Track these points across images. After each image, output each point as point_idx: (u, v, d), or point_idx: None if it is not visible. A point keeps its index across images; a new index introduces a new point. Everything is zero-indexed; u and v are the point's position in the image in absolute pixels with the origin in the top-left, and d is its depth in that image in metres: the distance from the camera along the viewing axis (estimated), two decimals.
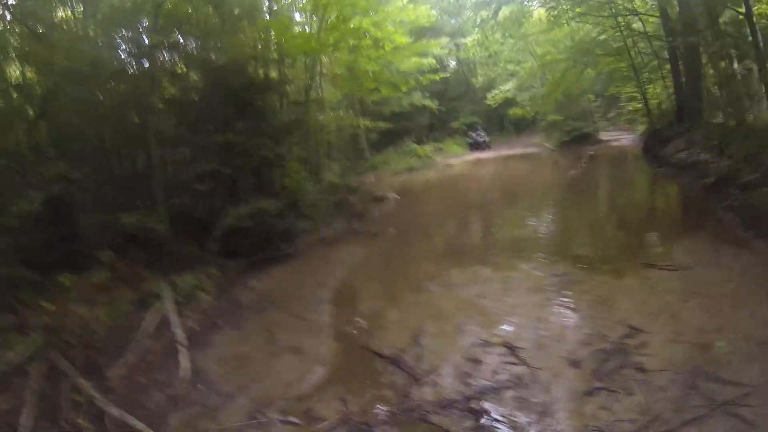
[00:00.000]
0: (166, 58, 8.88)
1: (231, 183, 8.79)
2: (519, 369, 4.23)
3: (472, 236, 9.95)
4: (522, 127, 29.92)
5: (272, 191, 9.03)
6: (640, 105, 18.27)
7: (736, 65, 9.92)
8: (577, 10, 15.29)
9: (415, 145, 23.71)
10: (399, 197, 14.08)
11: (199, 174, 8.10)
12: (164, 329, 5.66)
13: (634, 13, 15.22)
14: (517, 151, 24.18)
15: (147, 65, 8.36)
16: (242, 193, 8.74)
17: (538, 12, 18.12)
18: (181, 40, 9.09)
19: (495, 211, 11.70)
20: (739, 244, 6.45)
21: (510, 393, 3.91)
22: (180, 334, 5.50)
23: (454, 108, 28.45)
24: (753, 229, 6.66)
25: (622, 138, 22.21)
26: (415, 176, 19.58)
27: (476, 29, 17.78)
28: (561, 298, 5.59)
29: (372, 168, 19.82)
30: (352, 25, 12.61)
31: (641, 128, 20.03)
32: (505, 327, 5.09)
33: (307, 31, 12.43)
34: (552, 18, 16.47)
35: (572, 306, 5.38)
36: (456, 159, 23.40)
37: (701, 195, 9.07)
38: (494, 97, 25.40)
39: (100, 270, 6.15)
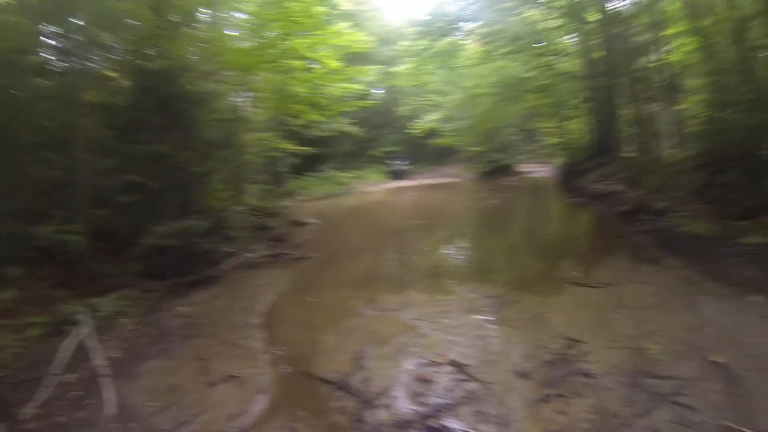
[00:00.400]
0: (97, 59, 8.61)
1: (155, 198, 8.54)
2: (470, 385, 4.52)
3: (398, 262, 10.31)
4: (443, 156, 32.30)
5: (196, 210, 8.94)
6: (558, 139, 20.94)
7: (647, 107, 12.06)
8: (508, 48, 17.42)
9: (335, 172, 24.85)
10: (320, 222, 14.57)
11: (124, 185, 7.87)
12: (83, 359, 5.30)
13: (560, 54, 17.68)
14: (438, 180, 25.88)
15: (77, 63, 8.01)
16: (166, 210, 8.55)
17: (470, 46, 20.23)
18: (115, 43, 8.95)
19: (419, 238, 12.28)
20: (654, 262, 7.61)
21: (466, 408, 4.17)
22: (102, 364, 5.16)
23: (377, 136, 30.02)
24: (665, 249, 7.98)
25: (540, 170, 24.91)
26: (335, 202, 20.16)
27: (412, 58, 19.22)
28: (498, 317, 6.11)
29: (292, 192, 20.53)
30: (291, 44, 13.10)
31: (558, 161, 22.90)
32: (448, 347, 5.38)
33: (244, 45, 12.74)
34: (484, 53, 18.49)
35: (510, 324, 5.88)
36: (376, 187, 24.49)
37: (617, 221, 10.56)
38: (418, 125, 27.37)
39: (6, 289, 5.80)
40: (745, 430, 3.54)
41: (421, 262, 9.81)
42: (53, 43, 8.13)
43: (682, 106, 12.55)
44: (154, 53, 8.70)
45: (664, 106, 11.88)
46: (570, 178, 17.07)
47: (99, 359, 5.27)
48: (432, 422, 3.97)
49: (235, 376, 5.08)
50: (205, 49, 10.08)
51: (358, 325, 6.30)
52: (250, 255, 10.19)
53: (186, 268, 8.22)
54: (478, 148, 25.11)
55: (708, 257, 7.12)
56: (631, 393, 4.14)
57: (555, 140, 22.33)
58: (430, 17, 17.78)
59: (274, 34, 12.64)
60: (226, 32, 12.59)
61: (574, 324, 5.66)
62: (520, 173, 24.61)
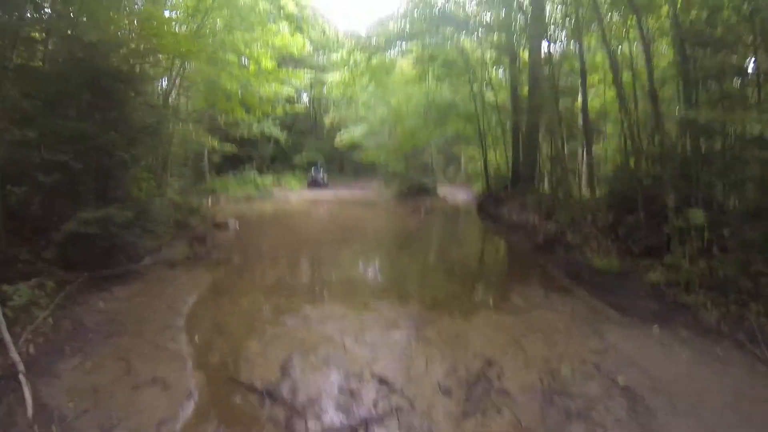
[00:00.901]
0: (27, 18, 7.97)
1: (76, 181, 8.16)
2: (395, 399, 4.75)
3: (318, 273, 10.60)
4: (361, 171, 33.01)
5: (118, 198, 8.71)
6: (479, 166, 22.46)
7: (566, 146, 13.49)
8: (440, 72, 18.55)
9: (255, 175, 25.22)
10: (240, 225, 14.67)
11: (46, 163, 7.47)
12: None
13: (490, 85, 19.09)
14: (356, 194, 26.42)
15: (3, 18, 7.43)
16: (86, 195, 8.25)
17: (403, 65, 21.24)
18: (48, 3, 8.42)
19: (338, 251, 12.63)
20: (565, 291, 8.44)
21: (393, 421, 4.39)
22: (15, 359, 4.81)
23: (300, 143, 30.32)
24: (575, 280, 8.87)
25: (459, 194, 26.29)
26: (253, 206, 20.28)
27: (345, 69, 19.67)
28: (418, 335, 6.46)
29: (211, 191, 20.76)
30: (229, 37, 13.22)
31: (477, 187, 24.47)
32: (371, 361, 5.60)
33: (182, 30, 12.59)
34: (416, 74, 19.49)
35: (431, 342, 6.23)
36: (294, 194, 24.75)
37: (532, 251, 11.55)
38: (342, 137, 27.86)
39: None
40: None
41: (340, 275, 10.16)
42: None
43: (597, 150, 14.29)
44: (89, 22, 8.33)
45: (582, 147, 13.41)
46: (488, 205, 18.32)
47: (12, 354, 4.92)
48: None
49: (160, 379, 4.97)
50: (142, 27, 9.77)
51: (281, 334, 6.39)
52: (171, 252, 10.21)
53: (106, 260, 8.07)
54: (398, 168, 25.99)
55: (613, 290, 8.06)
56: (546, 409, 4.60)
57: (476, 167, 23.91)
58: (369, 31, 18.41)
59: (215, 23, 12.60)
60: (166, 13, 12.39)
61: (491, 345, 6.12)
62: (439, 196, 25.82)
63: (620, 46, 11.48)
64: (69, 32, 8.49)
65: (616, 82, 10.09)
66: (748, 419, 4.50)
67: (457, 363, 5.57)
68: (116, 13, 9.16)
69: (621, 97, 10.07)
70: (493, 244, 14.15)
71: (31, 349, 5.33)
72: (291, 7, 18.65)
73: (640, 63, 10.31)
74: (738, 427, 4.39)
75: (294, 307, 7.46)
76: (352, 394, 4.82)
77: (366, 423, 4.31)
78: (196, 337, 6.30)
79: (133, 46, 9.98)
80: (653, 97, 8.93)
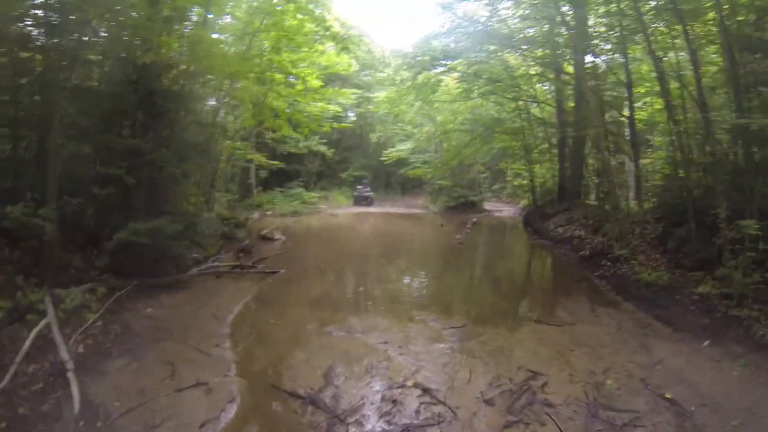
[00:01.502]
0: (85, 41, 8.50)
1: (128, 194, 8.64)
2: (438, 408, 4.84)
3: (363, 286, 10.73)
4: (408, 187, 33.19)
5: (168, 211, 9.05)
6: (525, 181, 22.12)
7: (612, 159, 13.16)
8: (485, 88, 18.56)
9: (302, 190, 25.58)
10: (285, 239, 14.97)
11: (100, 176, 7.92)
12: (46, 351, 5.24)
13: (534, 100, 18.89)
14: (402, 210, 26.55)
15: (64, 41, 7.94)
16: (138, 207, 8.64)
17: (447, 82, 21.49)
18: (105, 27, 8.93)
19: (383, 264, 12.78)
20: (611, 305, 8.28)
21: (434, 429, 4.48)
22: (66, 358, 5.10)
23: (346, 159, 30.77)
24: (621, 294, 8.69)
25: (505, 210, 26.07)
26: (299, 220, 20.69)
27: (392, 87, 20.03)
28: (462, 347, 6.51)
29: (258, 206, 21.33)
30: (277, 57, 13.65)
31: (523, 203, 24.07)
32: (415, 371, 5.71)
33: (231, 51, 13.06)
34: (462, 91, 19.62)
35: (474, 354, 6.27)
36: (341, 210, 25.00)
37: (578, 265, 11.29)
38: (390, 154, 28.25)
39: None
40: None
41: (386, 288, 10.24)
42: (41, 14, 7.91)
43: (645, 161, 13.85)
44: (142, 45, 8.79)
45: (629, 160, 13.05)
46: (534, 219, 18.02)
47: (63, 353, 5.23)
48: None
49: (204, 384, 5.19)
50: (193, 49, 10.24)
51: (326, 344, 6.56)
52: (217, 263, 10.49)
53: (154, 269, 8.37)
54: (445, 182, 26.02)
55: (661, 303, 7.82)
56: (591, 422, 4.58)
57: (522, 182, 23.61)
58: (415, 50, 18.70)
59: (262, 44, 13.12)
60: (214, 35, 12.85)
61: (535, 358, 6.10)
62: (485, 211, 25.60)
63: (666, 56, 11.16)
64: (123, 54, 8.99)
65: (664, 91, 9.84)
66: None
67: (500, 375, 5.61)
68: (167, 36, 9.57)
69: (669, 106, 9.80)
70: (539, 257, 13.92)
71: (81, 349, 5.64)
72: (337, 28, 19.29)
73: (687, 71, 10.01)
74: None
75: (339, 319, 7.63)
76: (395, 402, 4.93)
77: (407, 430, 4.41)
78: (241, 345, 6.54)
79: (183, 67, 10.44)
80: (702, 105, 8.64)
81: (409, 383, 5.36)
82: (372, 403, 4.94)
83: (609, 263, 10.08)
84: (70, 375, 4.89)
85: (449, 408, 4.84)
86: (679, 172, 10.30)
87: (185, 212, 9.88)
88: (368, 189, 27.44)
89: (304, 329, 7.25)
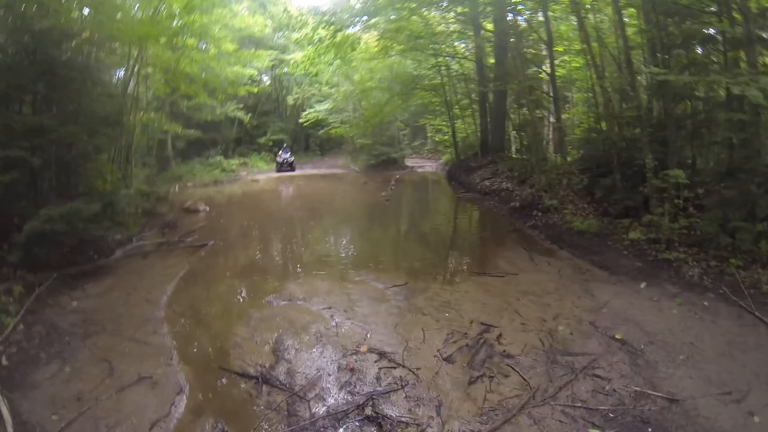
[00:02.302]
0: None
1: (35, 177, 7.71)
2: (398, 371, 4.55)
3: (295, 250, 10.18)
4: (327, 148, 32.30)
5: (78, 193, 8.25)
6: (446, 137, 22.24)
7: (534, 113, 13.36)
8: (405, 45, 17.98)
9: (221, 158, 24.10)
10: (209, 209, 14.03)
11: (1, 160, 6.81)
12: None
13: (454, 55, 18.60)
14: (324, 171, 25.75)
15: None
16: (47, 190, 7.87)
17: (366, 40, 20.57)
18: None
19: (312, 227, 12.29)
20: (548, 253, 8.40)
21: (400, 394, 4.18)
22: None
23: (264, 123, 29.18)
24: (556, 243, 8.86)
25: (426, 165, 26.10)
26: (221, 189, 19.60)
27: (310, 47, 18.80)
28: (410, 306, 6.24)
29: (178, 177, 19.95)
30: (187, 20, 12.46)
31: (444, 158, 24.25)
32: (366, 335, 5.36)
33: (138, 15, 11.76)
34: (381, 49, 18.86)
35: (423, 311, 6.02)
36: (262, 175, 23.82)
37: (508, 216, 11.46)
38: (307, 115, 27.04)
39: None
40: (653, 392, 4.10)
41: (319, 251, 9.76)
42: None
43: (566, 116, 14.30)
44: (38, 12, 7.65)
45: (547, 114, 13.35)
46: (458, 173, 18.19)
47: None
48: (369, 411, 3.91)
49: (147, 377, 4.60)
50: (96, 12, 9.01)
51: (268, 315, 6.04)
52: (142, 243, 9.74)
53: (74, 257, 7.69)
54: (366, 141, 25.49)
55: (595, 250, 8.10)
56: (552, 369, 4.53)
57: (443, 137, 23.73)
58: (334, 5, 17.62)
59: (172, 7, 11.86)
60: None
61: (485, 311, 6.00)
62: (408, 167, 25.54)
63: (585, 17, 11.32)
64: (17, 23, 7.77)
65: (589, 48, 9.94)
66: (743, 365, 4.54)
67: (454, 330, 5.42)
68: (66, 1, 8.45)
69: (594, 63, 9.94)
70: (469, 210, 13.95)
71: (4, 361, 4.88)
72: None
73: (605, 32, 10.25)
74: (735, 373, 4.41)
75: (277, 288, 7.14)
76: (353, 371, 4.57)
77: (371, 399, 4.08)
78: (179, 328, 5.90)
79: (86, 34, 9.27)
80: (628, 62, 8.83)
81: (363, 348, 5.02)
82: (329, 375, 4.54)
83: (540, 213, 10.29)
84: None
85: (410, 370, 4.57)
86: (602, 125, 10.68)
87: (102, 191, 9.00)
88: (289, 154, 25.98)
89: (244, 302, 6.72)
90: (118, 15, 9.91)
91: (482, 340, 5.14)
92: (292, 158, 25.36)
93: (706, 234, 7.06)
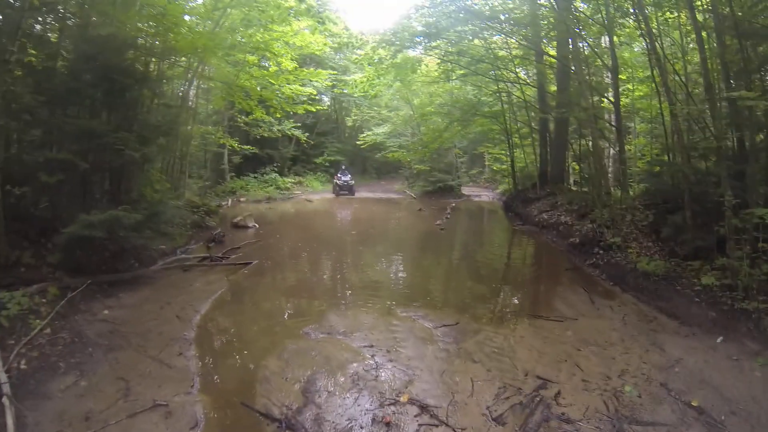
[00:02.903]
0: (35, 15, 7.63)
1: (83, 181, 7.82)
2: (441, 431, 4.09)
3: (342, 277, 9.86)
4: (383, 171, 32.48)
5: (129, 199, 8.32)
6: (505, 166, 21.63)
7: (596, 143, 12.66)
8: (466, 69, 17.69)
9: (276, 175, 24.60)
10: (259, 227, 14.06)
11: (49, 162, 6.99)
12: None
13: (516, 81, 18.00)
14: (379, 195, 25.68)
15: (10, 15, 7.07)
16: (95, 195, 7.97)
17: (427, 62, 20.62)
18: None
19: (363, 254, 11.95)
20: (610, 296, 7.71)
21: None
22: (5, 378, 4.30)
23: (321, 143, 29.72)
24: (618, 284, 8.15)
25: (483, 194, 25.47)
26: (274, 206, 19.70)
27: (369, 67, 19.06)
28: (458, 350, 5.73)
29: (231, 192, 20.40)
30: (248, 34, 12.68)
31: (502, 187, 23.61)
32: (408, 382, 4.93)
33: (199, 28, 12.16)
34: (441, 72, 18.73)
35: (473, 358, 5.51)
36: (316, 195, 23.97)
37: (567, 252, 10.75)
38: (366, 138, 27.29)
39: None
40: None
41: (366, 280, 9.39)
42: None
43: (630, 147, 13.39)
44: (101, 20, 7.95)
45: (613, 145, 12.56)
46: (516, 204, 17.52)
47: (1, 372, 4.41)
48: None
49: (162, 405, 4.37)
50: (157, 22, 9.24)
51: (304, 349, 5.71)
52: (185, 256, 9.66)
53: (113, 264, 7.64)
54: (423, 167, 25.34)
55: (663, 295, 7.30)
56: None
57: (501, 166, 23.11)
58: (395, 26, 17.67)
59: (233, 22, 12.26)
60: (180, 5, 11.82)
61: (542, 361, 5.43)
62: (463, 195, 25.06)
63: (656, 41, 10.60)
64: (81, 27, 8.14)
65: (661, 72, 9.21)
66: None
67: (506, 383, 4.90)
68: (130, 9, 8.78)
69: (666, 89, 9.19)
70: (525, 244, 13.31)
71: (23, 365, 4.83)
72: (311, 1, 18.30)
73: (671, 59, 9.49)
74: None
75: (318, 317, 6.85)
76: (389, 426, 4.15)
77: None
78: (207, 353, 5.68)
79: (146, 43, 9.54)
80: (708, 88, 8.04)
81: (404, 398, 4.58)
82: (362, 428, 4.12)
83: (601, 251, 9.53)
84: (5, 401, 4.04)
85: (454, 430, 4.10)
86: (670, 157, 9.84)
87: (148, 200, 9.03)
88: (349, 177, 25.08)
89: (280, 331, 6.43)
90: (179, 24, 10.10)
91: (538, 398, 4.60)
92: (353, 182, 24.83)
93: None
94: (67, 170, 7.17)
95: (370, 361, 5.37)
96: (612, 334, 6.17)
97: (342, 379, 4.97)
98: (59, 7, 7.95)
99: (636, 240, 9.36)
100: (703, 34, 9.90)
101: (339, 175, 24.86)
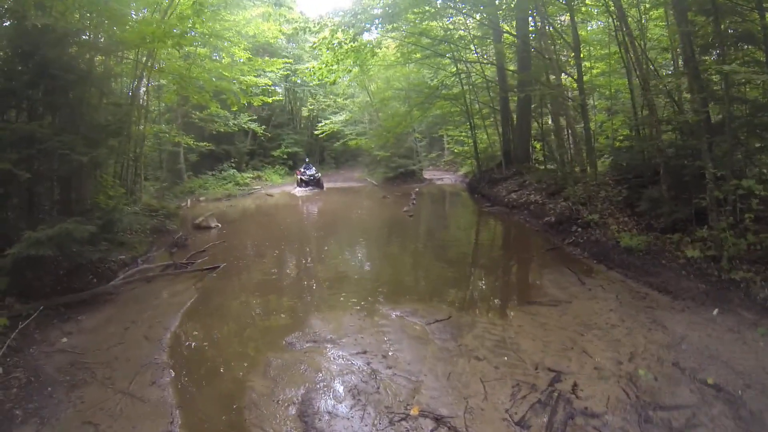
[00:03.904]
0: None
1: (27, 193, 7.15)
2: None
3: (317, 276, 9.14)
4: (342, 160, 31.95)
5: (82, 209, 7.70)
6: (467, 147, 21.63)
7: (560, 121, 12.73)
8: (425, 52, 17.33)
9: (234, 171, 23.82)
10: (222, 226, 13.49)
11: None
12: None
13: (477, 61, 17.92)
14: (340, 184, 25.15)
15: None
16: (42, 208, 7.38)
17: (386, 47, 20.16)
18: None
19: (335, 247, 11.44)
20: (597, 275, 7.65)
21: None
22: None
23: (278, 136, 28.88)
24: (603, 262, 8.12)
25: (445, 177, 25.44)
26: (235, 204, 19.02)
27: (328, 51, 18.36)
28: (459, 347, 5.40)
29: (190, 192, 19.73)
30: (196, 21, 11.94)
31: (464, 169, 23.69)
32: (414, 390, 4.52)
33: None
34: (400, 55, 18.32)
35: (477, 355, 5.20)
36: (276, 189, 23.25)
37: (544, 232, 10.69)
38: (323, 127, 26.64)
39: None
40: None
41: (343, 276, 8.88)
42: None
43: (591, 124, 13.54)
44: (36, 12, 7.01)
45: (577, 122, 12.66)
46: (481, 186, 17.52)
47: None
48: None
49: None
50: (99, 13, 8.44)
51: (290, 362, 5.21)
52: (147, 265, 9.03)
53: (68, 283, 7.07)
54: (383, 153, 25.02)
55: (650, 270, 7.31)
56: (648, 430, 3.79)
57: (463, 148, 23.12)
58: (354, 8, 17.00)
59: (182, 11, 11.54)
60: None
61: (548, 351, 5.21)
62: (426, 180, 24.96)
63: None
64: (13, 21, 7.30)
65: (634, 49, 9.18)
66: None
67: (519, 380, 4.62)
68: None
69: (639, 65, 9.19)
70: (498, 226, 13.20)
71: None
72: None
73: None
74: None
75: (300, 323, 6.37)
76: None
77: None
78: (183, 378, 5.04)
79: (89, 35, 8.81)
80: (688, 61, 8.07)
81: (414, 411, 4.17)
82: None
83: (579, 229, 9.55)
84: None
85: None
86: (643, 132, 9.97)
87: (102, 208, 8.33)
88: (314, 170, 23.48)
89: (261, 343, 5.93)
90: (121, 15, 9.41)
91: (556, 394, 4.35)
92: (319, 174, 23.54)
93: None
94: (6, 182, 6.42)
95: (367, 370, 4.96)
96: (611, 315, 6.08)
97: (341, 395, 4.53)
98: None
99: (612, 216, 9.45)
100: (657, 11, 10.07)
101: (303, 170, 23.42)
